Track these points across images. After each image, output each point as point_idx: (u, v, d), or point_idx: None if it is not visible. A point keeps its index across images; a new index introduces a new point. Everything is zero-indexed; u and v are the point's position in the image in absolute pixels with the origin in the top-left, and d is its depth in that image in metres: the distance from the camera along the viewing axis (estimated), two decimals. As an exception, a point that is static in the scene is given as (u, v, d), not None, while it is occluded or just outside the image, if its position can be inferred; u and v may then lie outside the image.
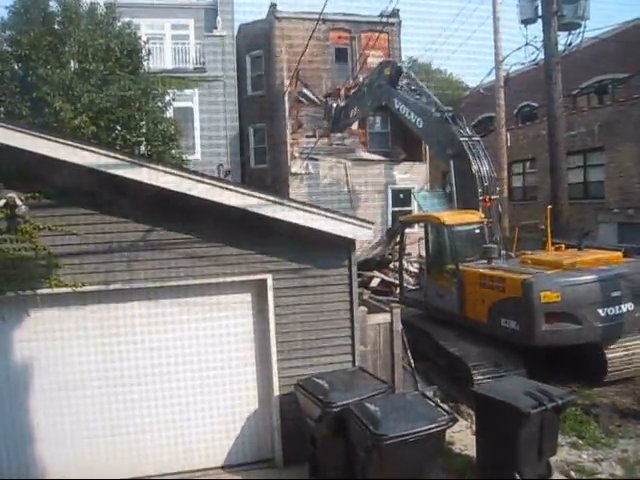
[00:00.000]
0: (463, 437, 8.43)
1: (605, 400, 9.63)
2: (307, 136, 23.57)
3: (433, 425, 5.92)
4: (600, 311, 9.61)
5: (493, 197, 13.22)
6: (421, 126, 15.63)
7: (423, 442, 5.84)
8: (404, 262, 15.30)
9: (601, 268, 10.07)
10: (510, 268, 10.67)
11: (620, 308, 9.77)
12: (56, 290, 6.75)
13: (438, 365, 11.18)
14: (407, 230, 15.58)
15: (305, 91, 23.77)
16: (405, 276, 15.53)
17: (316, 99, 23.88)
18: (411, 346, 10.32)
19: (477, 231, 12.25)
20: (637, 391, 9.97)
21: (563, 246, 11.72)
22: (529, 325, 9.62)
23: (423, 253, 14.41)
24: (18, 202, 6.48)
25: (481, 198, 12.96)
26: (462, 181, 13.81)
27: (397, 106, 16.57)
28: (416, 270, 17.03)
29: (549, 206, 13.21)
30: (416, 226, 16.98)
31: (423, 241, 13.88)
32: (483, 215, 12.42)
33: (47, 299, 6.81)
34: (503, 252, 12.45)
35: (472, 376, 9.68)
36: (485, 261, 11.29)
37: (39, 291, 6.73)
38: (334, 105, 21.77)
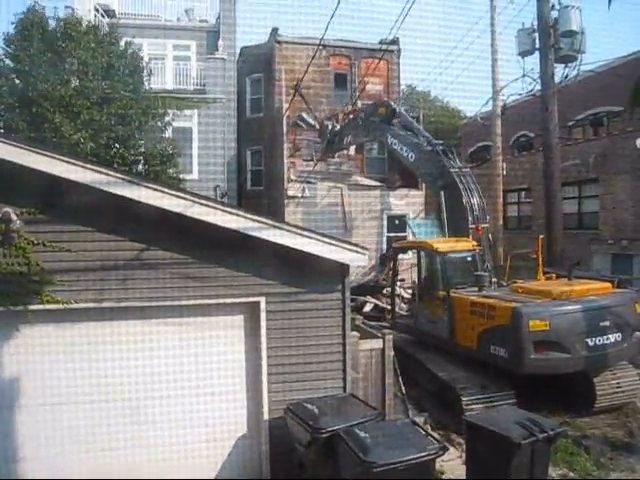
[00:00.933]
0: (453, 466, 8.34)
1: (596, 432, 9.61)
2: (304, 160, 23.69)
3: (423, 454, 5.87)
4: (588, 341, 9.71)
5: (483, 225, 13.41)
6: (413, 160, 15.97)
7: (413, 471, 5.79)
8: (397, 288, 15.33)
9: (590, 298, 10.19)
10: (500, 296, 10.75)
11: (608, 338, 9.86)
12: (48, 306, 6.72)
13: (428, 391, 11.16)
14: (401, 256, 15.64)
15: (304, 116, 23.93)
16: (398, 302, 15.54)
17: (315, 123, 24.06)
18: (401, 372, 10.31)
19: (469, 259, 12.37)
20: (628, 423, 9.96)
21: (554, 275, 11.82)
22: (518, 353, 9.68)
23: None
24: (13, 217, 6.46)
25: (473, 226, 13.16)
26: (453, 210, 14.05)
27: (390, 141, 17.00)
28: (409, 296, 17.02)
29: (541, 236, 13.35)
30: (410, 252, 17.02)
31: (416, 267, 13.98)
32: (475, 243, 12.56)
33: (38, 315, 6.76)
34: (494, 280, 12.54)
35: (461, 401, 9.70)
36: (476, 289, 11.37)
37: (30, 307, 6.69)
38: (329, 126, 22.00)
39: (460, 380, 10.33)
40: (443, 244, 12.44)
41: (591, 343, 9.71)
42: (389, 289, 18.01)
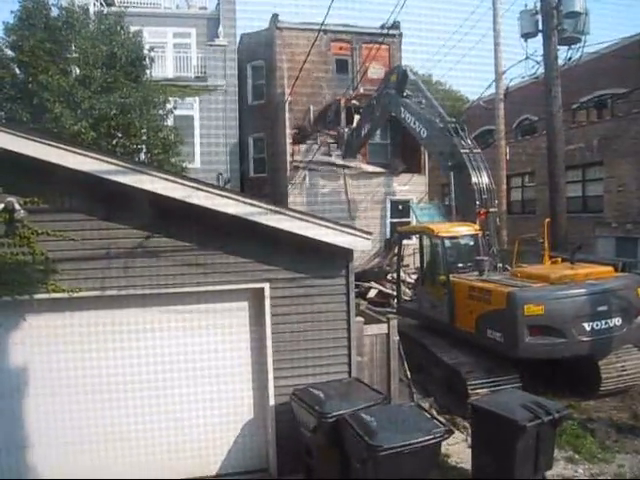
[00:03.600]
0: (459, 450, 8.39)
1: (602, 415, 9.62)
2: (307, 143, 23.56)
3: (429, 437, 5.90)
4: (585, 325, 9.64)
5: (491, 210, 13.29)
6: (425, 136, 15.74)
7: (418, 454, 5.81)
8: (401, 273, 15.35)
9: (589, 282, 10.12)
10: (498, 280, 10.77)
11: (607, 323, 9.79)
12: (53, 295, 6.74)
13: (433, 376, 11.18)
14: (405, 242, 15.63)
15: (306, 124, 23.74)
16: (402, 287, 15.56)
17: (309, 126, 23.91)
18: (406, 356, 10.33)
19: (471, 243, 12.38)
20: (633, 406, 9.98)
21: (560, 259, 11.77)
22: (512, 337, 9.70)
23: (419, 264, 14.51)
24: (17, 206, 6.47)
25: (477, 210, 13.05)
26: (462, 193, 13.89)
27: (403, 115, 16.72)
28: (412, 281, 17.04)
29: (547, 220, 13.19)
30: (414, 238, 17.01)
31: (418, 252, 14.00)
32: (478, 227, 12.50)
33: (44, 304, 6.80)
34: (499, 265, 12.50)
35: (466, 386, 9.71)
36: (477, 273, 11.42)
37: (36, 296, 6.72)
38: (346, 130, 22.01)
39: (465, 364, 10.35)
40: (444, 228, 12.45)
41: (588, 328, 9.64)
42: (393, 275, 18.06)
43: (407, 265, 16.97)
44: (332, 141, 23.26)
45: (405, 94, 17.17)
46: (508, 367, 10.08)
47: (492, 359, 10.32)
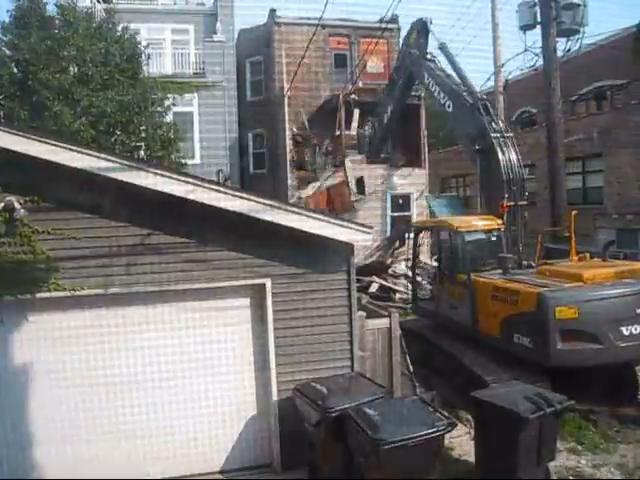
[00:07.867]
0: (462, 443, 8.41)
1: (604, 406, 9.58)
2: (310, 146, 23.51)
3: (432, 430, 5.91)
4: (624, 329, 8.69)
5: (520, 203, 12.18)
6: (450, 110, 14.27)
7: (422, 447, 5.83)
8: (406, 269, 15.07)
9: (626, 282, 9.19)
10: (525, 280, 9.88)
11: None
12: (54, 294, 6.75)
13: (456, 384, 10.24)
14: (410, 235, 14.69)
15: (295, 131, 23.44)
16: (406, 283, 15.39)
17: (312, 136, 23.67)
18: (423, 360, 9.90)
19: (493, 238, 11.46)
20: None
21: (587, 256, 10.74)
22: (543, 343, 8.84)
23: (427, 259, 14.12)
24: (17, 205, 6.48)
25: (511, 203, 11.97)
26: (489, 182, 12.80)
27: (427, 81, 15.36)
28: (420, 278, 16.59)
29: (574, 212, 11.60)
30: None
31: (428, 247, 13.37)
32: (501, 221, 11.51)
33: (45, 303, 6.81)
34: (524, 262, 11.40)
35: None
36: (500, 271, 10.58)
37: (38, 295, 6.72)
38: (367, 128, 21.49)
39: (492, 372, 9.38)
40: (464, 222, 11.60)
41: (627, 332, 8.68)
42: (394, 269, 18.02)
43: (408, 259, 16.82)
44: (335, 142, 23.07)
45: (429, 57, 15.85)
46: (537, 374, 8.99)
47: (518, 364, 9.36)
